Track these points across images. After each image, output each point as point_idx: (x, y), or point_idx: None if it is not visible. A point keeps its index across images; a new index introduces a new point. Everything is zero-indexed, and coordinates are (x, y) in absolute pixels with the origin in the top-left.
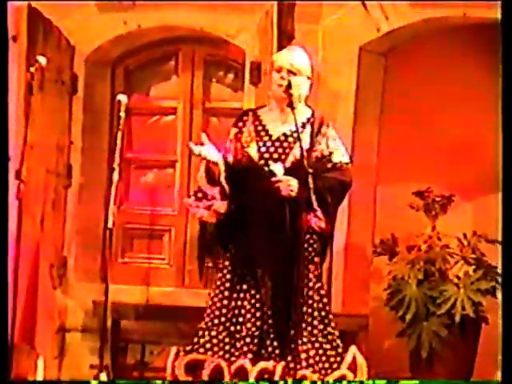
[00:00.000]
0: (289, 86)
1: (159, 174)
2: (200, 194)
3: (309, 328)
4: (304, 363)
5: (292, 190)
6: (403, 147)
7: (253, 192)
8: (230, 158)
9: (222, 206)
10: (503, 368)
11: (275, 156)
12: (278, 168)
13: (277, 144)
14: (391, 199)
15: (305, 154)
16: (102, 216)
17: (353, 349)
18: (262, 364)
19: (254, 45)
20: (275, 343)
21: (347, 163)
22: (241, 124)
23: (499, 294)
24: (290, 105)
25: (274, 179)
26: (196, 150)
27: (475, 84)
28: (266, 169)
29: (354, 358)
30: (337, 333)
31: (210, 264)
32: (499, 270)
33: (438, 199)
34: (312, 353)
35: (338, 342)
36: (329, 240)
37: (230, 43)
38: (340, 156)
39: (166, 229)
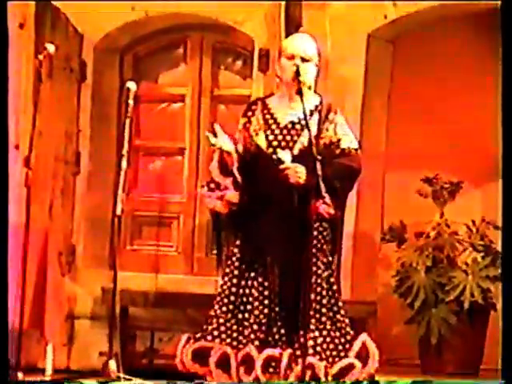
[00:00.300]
0: (297, 72)
1: (168, 162)
2: (212, 185)
3: (317, 315)
4: (311, 351)
5: (300, 178)
6: (411, 134)
7: (262, 180)
8: (240, 148)
9: (234, 196)
10: (503, 356)
11: (283, 144)
12: (285, 155)
13: (284, 132)
14: (400, 186)
15: (313, 140)
16: (110, 203)
17: (363, 336)
18: (268, 351)
19: (262, 32)
20: (282, 331)
21: (356, 149)
22: (250, 113)
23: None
24: (299, 92)
25: (281, 167)
26: (212, 140)
27: (484, 71)
28: (274, 157)
29: (364, 345)
30: (347, 320)
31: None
32: None
33: (446, 186)
34: (319, 340)
35: (348, 329)
36: (339, 227)
37: (238, 30)
38: (348, 142)
39: (174, 216)
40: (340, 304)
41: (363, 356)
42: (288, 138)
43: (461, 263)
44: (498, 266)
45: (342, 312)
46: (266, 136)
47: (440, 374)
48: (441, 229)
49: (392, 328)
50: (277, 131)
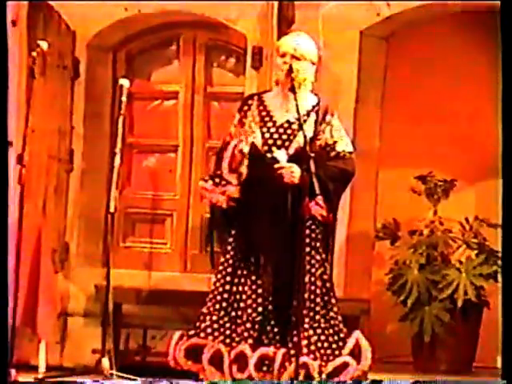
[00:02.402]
0: (290, 70)
1: (161, 159)
2: (217, 179)
3: (311, 314)
4: (305, 349)
5: (295, 177)
6: (405, 131)
7: (256, 178)
8: (236, 143)
9: (234, 191)
10: (503, 354)
11: (279, 142)
12: (281, 154)
13: (281, 130)
14: (393, 183)
15: (308, 140)
16: (103, 201)
17: (356, 333)
18: (262, 350)
19: (254, 30)
20: (276, 329)
21: (350, 152)
22: (246, 108)
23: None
24: (292, 89)
25: (276, 166)
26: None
27: (477, 69)
28: (269, 155)
29: (357, 342)
30: (340, 317)
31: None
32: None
33: (440, 183)
34: (314, 339)
35: (341, 326)
36: (331, 226)
37: (231, 28)
38: (344, 145)
39: (168, 213)
40: (333, 301)
41: (356, 353)
42: (284, 137)
43: (454, 261)
44: (492, 263)
45: (335, 309)
46: (262, 134)
47: (433, 372)
48: (434, 226)
49: (385, 326)
50: (272, 129)
